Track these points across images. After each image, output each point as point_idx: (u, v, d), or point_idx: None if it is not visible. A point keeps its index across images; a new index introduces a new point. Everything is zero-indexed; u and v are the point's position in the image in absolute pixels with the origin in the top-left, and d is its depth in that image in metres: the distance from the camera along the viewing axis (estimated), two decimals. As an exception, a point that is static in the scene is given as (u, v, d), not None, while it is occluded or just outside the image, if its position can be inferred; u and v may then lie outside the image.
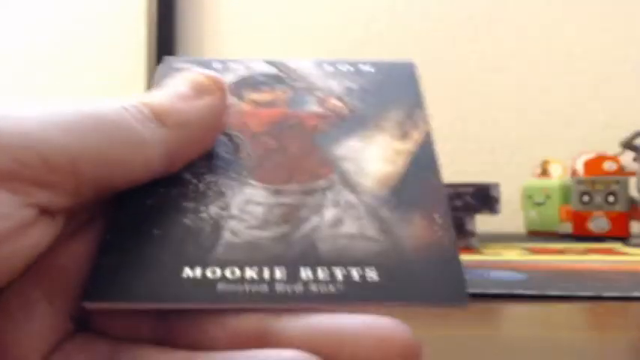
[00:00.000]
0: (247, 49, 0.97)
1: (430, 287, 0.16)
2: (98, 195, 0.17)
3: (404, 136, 0.21)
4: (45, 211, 0.15)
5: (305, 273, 0.16)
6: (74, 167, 0.15)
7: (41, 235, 0.15)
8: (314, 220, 0.18)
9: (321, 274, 0.16)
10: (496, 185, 0.68)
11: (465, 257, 0.48)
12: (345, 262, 0.16)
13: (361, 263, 0.16)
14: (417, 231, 0.17)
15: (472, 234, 0.54)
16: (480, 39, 0.94)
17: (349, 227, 0.17)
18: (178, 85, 0.20)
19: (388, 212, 0.18)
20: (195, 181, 0.19)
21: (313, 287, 0.16)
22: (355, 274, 0.16)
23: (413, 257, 0.16)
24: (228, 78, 0.23)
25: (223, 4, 1.01)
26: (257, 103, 0.22)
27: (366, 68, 0.24)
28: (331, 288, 0.16)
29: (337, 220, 0.18)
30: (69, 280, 0.16)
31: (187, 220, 0.18)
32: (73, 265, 0.16)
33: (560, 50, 0.92)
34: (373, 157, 0.20)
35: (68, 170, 0.15)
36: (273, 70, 0.24)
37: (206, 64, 0.24)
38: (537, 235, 0.72)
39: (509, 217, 0.79)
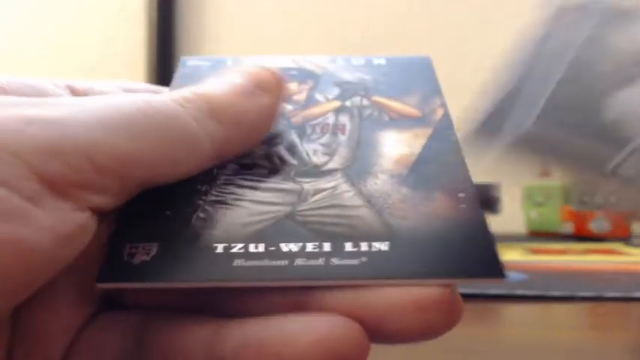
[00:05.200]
0: (247, 49, 0.97)
1: (462, 262, 0.15)
2: (142, 190, 0.17)
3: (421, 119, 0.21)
4: (95, 212, 0.15)
5: (325, 247, 0.16)
6: (123, 169, 0.15)
7: (88, 236, 0.15)
8: (325, 200, 0.18)
9: (349, 247, 0.16)
10: (497, 185, 0.68)
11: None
12: (363, 238, 0.16)
13: (380, 238, 0.16)
14: (439, 207, 0.17)
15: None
16: (480, 38, 0.94)
17: (364, 207, 0.17)
18: (239, 79, 0.19)
19: (407, 191, 0.18)
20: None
21: (334, 261, 0.15)
22: (374, 247, 0.16)
23: (439, 233, 0.16)
24: None
25: (223, 4, 1.01)
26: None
27: (379, 62, 0.25)
28: (354, 262, 0.15)
29: (350, 198, 0.18)
30: (91, 260, 0.16)
31: (199, 202, 0.18)
32: (95, 246, 0.16)
33: (561, 50, 0.92)
34: (391, 142, 0.20)
35: (117, 172, 0.15)
36: (290, 65, 0.24)
37: (221, 63, 0.24)
38: (538, 235, 0.72)
39: (510, 217, 0.79)
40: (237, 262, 0.15)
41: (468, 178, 0.18)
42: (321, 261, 0.15)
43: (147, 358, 0.15)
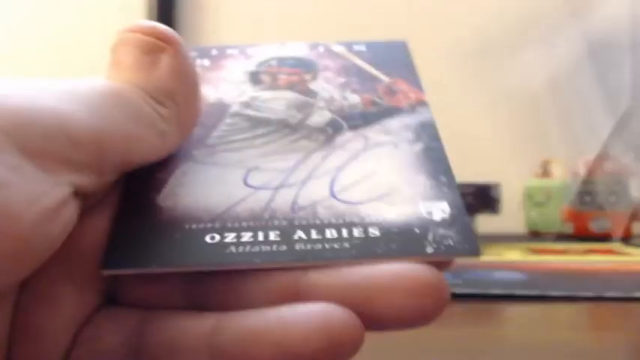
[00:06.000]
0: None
1: (441, 241, 0.16)
2: (119, 174, 0.17)
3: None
4: (76, 192, 0.15)
5: (314, 234, 0.16)
6: (99, 145, 0.15)
7: (72, 216, 0.15)
8: (317, 186, 0.18)
9: (331, 234, 0.16)
10: (497, 185, 0.68)
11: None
12: (350, 223, 0.17)
13: (365, 223, 0.17)
14: (423, 191, 0.18)
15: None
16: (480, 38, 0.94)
17: (353, 191, 0.18)
18: (131, 55, 0.19)
19: (393, 175, 0.18)
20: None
21: (326, 245, 0.16)
22: (357, 232, 0.16)
23: (420, 214, 0.17)
24: (239, 66, 0.24)
25: (223, 4, 1.01)
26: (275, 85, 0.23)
27: (359, 48, 0.25)
28: (345, 244, 0.16)
29: (342, 185, 0.18)
30: (89, 255, 0.16)
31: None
32: (92, 241, 0.16)
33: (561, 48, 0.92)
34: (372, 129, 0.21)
35: (93, 148, 0.15)
36: (274, 55, 0.25)
37: (205, 52, 0.25)
38: (538, 235, 0.72)
39: (510, 217, 0.79)
40: (233, 249, 0.16)
41: (446, 159, 0.19)
42: (317, 244, 0.16)
43: (148, 353, 0.15)
